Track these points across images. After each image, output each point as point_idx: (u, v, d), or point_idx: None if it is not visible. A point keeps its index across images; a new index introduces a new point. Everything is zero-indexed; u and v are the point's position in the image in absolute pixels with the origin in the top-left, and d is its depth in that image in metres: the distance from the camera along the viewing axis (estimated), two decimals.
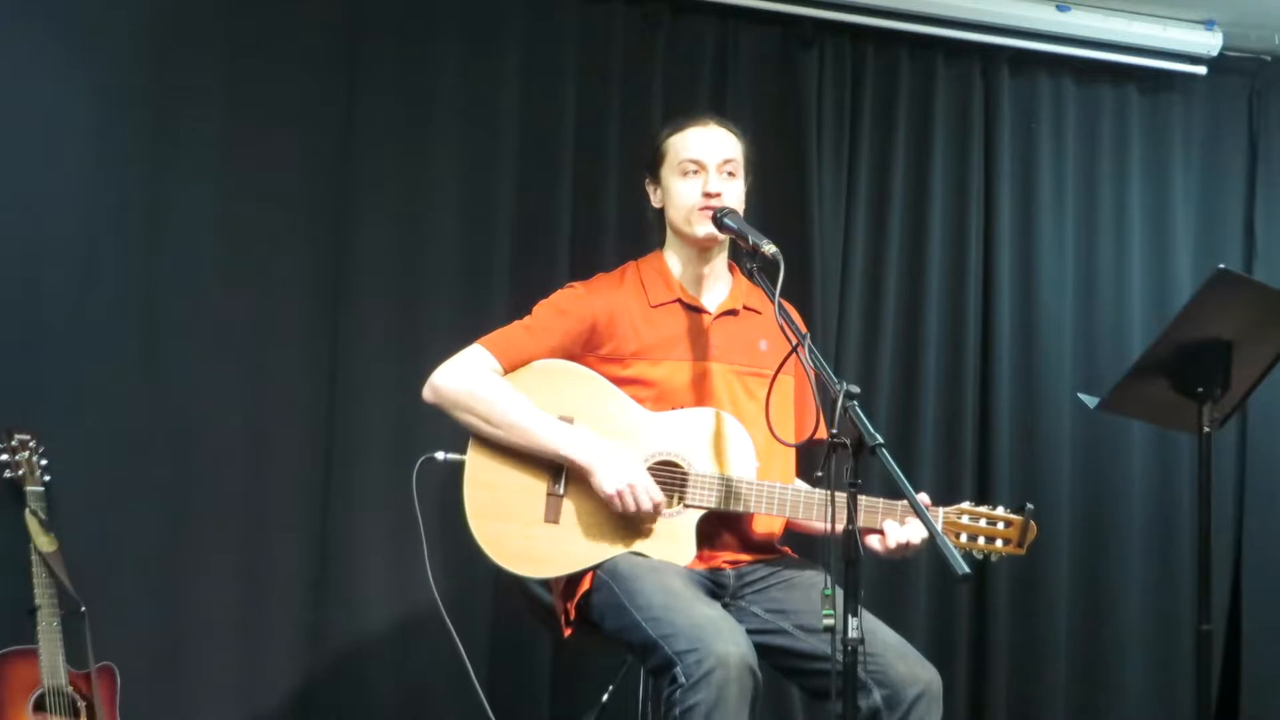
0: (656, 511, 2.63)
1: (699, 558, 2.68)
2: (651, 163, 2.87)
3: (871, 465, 2.24)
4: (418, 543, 2.79)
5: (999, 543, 2.67)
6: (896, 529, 2.59)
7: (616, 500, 2.60)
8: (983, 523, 2.67)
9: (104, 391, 3.49)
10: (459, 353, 2.73)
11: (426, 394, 2.73)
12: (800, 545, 2.88)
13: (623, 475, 2.61)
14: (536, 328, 2.76)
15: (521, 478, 2.67)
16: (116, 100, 3.55)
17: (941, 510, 2.67)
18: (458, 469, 2.70)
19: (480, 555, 2.65)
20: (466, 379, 2.69)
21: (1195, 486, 3.07)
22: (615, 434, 2.69)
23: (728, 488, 2.66)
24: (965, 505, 2.69)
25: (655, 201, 2.88)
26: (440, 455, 2.75)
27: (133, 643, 3.42)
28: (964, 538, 2.66)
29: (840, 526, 2.22)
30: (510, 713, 3.71)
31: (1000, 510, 2.68)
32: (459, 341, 2.76)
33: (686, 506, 2.67)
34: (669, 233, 2.87)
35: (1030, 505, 2.68)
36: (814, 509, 2.64)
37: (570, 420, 2.69)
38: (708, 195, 2.75)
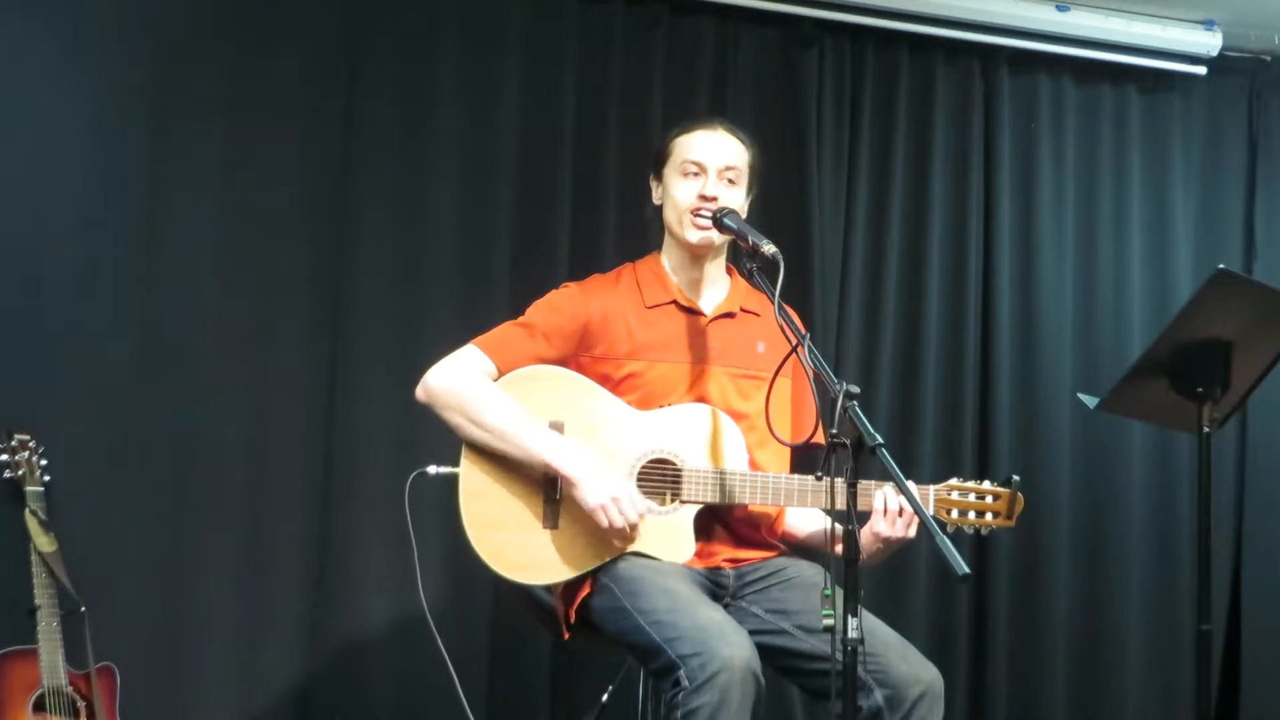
0: (640, 520, 2.62)
1: (697, 554, 2.68)
2: (657, 160, 2.87)
3: (871, 465, 2.24)
4: (413, 553, 2.78)
5: (989, 516, 2.71)
6: (888, 496, 2.58)
7: (600, 514, 2.59)
8: (972, 497, 2.71)
9: (104, 391, 3.49)
10: (453, 353, 2.73)
11: (419, 393, 2.72)
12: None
13: (605, 489, 2.59)
14: (530, 327, 2.76)
15: (517, 485, 2.66)
16: (116, 100, 3.55)
17: (932, 489, 2.70)
18: (453, 478, 2.69)
19: (479, 561, 2.64)
20: (457, 380, 2.68)
21: (1195, 486, 3.07)
22: (606, 435, 2.69)
23: (722, 481, 2.66)
24: (954, 482, 2.72)
25: (655, 199, 2.89)
26: (432, 469, 2.71)
27: (133, 643, 3.43)
28: (955, 514, 2.70)
29: (840, 526, 2.23)
30: (510, 713, 3.72)
31: (988, 484, 2.72)
32: (459, 341, 2.76)
33: (683, 503, 2.67)
34: (666, 234, 2.87)
35: (1016, 477, 2.72)
36: (809, 496, 2.64)
37: (560, 425, 2.68)
38: (703, 198, 2.75)
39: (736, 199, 2.79)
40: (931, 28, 4.15)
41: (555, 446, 2.63)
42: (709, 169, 2.77)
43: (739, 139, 2.84)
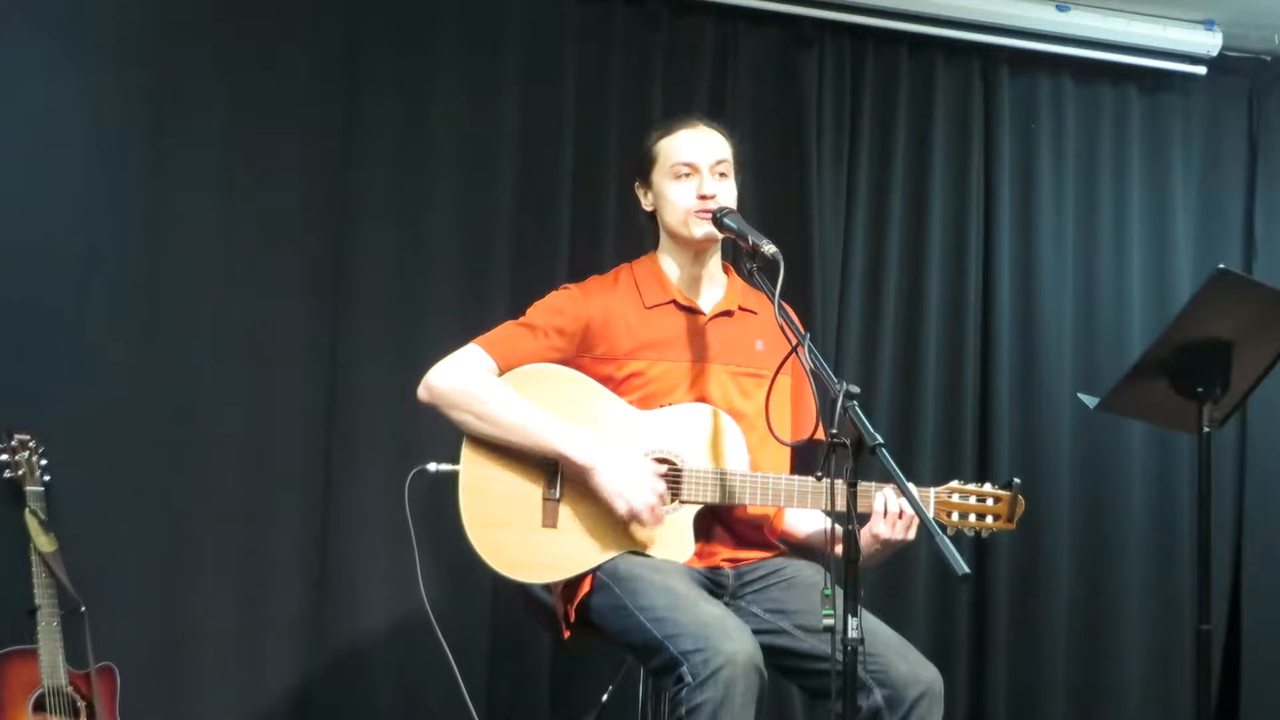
0: (661, 501, 2.62)
1: (697, 554, 2.68)
2: (642, 166, 2.86)
3: (871, 465, 2.24)
4: (413, 551, 2.78)
5: (989, 519, 2.71)
6: (889, 499, 2.58)
7: (619, 500, 2.59)
8: (972, 500, 2.71)
9: (104, 391, 3.49)
10: (455, 352, 2.73)
11: (421, 393, 2.72)
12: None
13: (623, 476, 2.60)
14: (532, 327, 2.76)
15: (516, 484, 2.66)
16: (116, 100, 3.55)
17: (933, 491, 2.70)
18: (452, 476, 2.69)
19: (479, 559, 2.64)
20: (462, 378, 2.69)
21: (1195, 486, 3.07)
22: (606, 435, 2.68)
23: (723, 481, 2.66)
24: (955, 484, 2.73)
25: (646, 205, 2.88)
26: (432, 466, 2.71)
27: (133, 643, 3.42)
28: (955, 516, 2.70)
29: (840, 527, 2.23)
30: (510, 714, 3.72)
31: (988, 487, 2.73)
32: (458, 341, 2.76)
33: (683, 503, 2.67)
34: (663, 235, 2.87)
35: (1018, 480, 2.72)
36: (808, 497, 2.64)
37: None
38: (703, 197, 2.75)
39: (731, 192, 2.80)
40: (931, 28, 4.15)
41: (565, 435, 2.63)
42: (701, 167, 2.77)
43: (720, 131, 2.85)
